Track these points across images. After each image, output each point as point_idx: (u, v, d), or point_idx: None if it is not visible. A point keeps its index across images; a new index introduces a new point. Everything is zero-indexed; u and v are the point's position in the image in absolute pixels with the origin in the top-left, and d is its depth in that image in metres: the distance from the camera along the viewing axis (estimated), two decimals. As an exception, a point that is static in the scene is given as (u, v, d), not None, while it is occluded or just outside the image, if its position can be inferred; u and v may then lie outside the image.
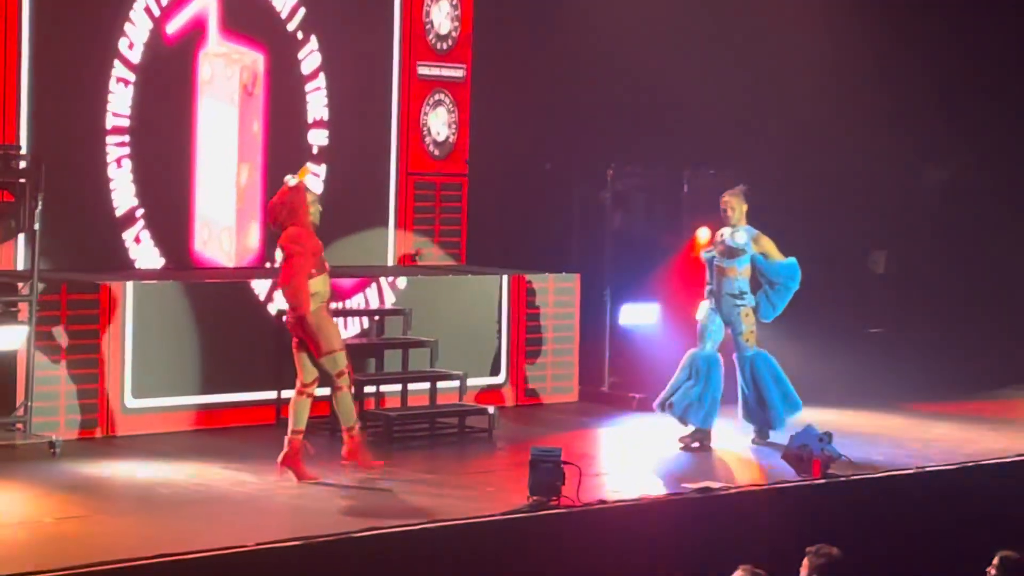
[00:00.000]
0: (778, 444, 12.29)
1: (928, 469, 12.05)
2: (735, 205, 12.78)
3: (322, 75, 14.84)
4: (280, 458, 11.08)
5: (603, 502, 10.57)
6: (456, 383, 13.43)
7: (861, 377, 15.60)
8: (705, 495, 10.98)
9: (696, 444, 12.64)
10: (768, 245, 12.86)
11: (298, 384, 11.21)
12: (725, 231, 12.81)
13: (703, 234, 14.29)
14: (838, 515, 10.90)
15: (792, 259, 12.93)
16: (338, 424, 11.61)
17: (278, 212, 11.15)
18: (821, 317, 15.79)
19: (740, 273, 12.76)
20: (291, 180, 11.24)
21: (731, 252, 12.76)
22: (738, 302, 12.74)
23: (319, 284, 11.11)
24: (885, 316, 16.76)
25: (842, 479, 11.52)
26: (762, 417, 12.85)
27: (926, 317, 16.72)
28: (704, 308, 12.85)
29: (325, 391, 11.39)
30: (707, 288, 12.89)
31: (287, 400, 13.04)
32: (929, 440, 13.35)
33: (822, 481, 11.47)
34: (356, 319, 13.66)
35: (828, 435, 11.64)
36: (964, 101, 16.54)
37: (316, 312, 11.07)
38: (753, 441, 12.86)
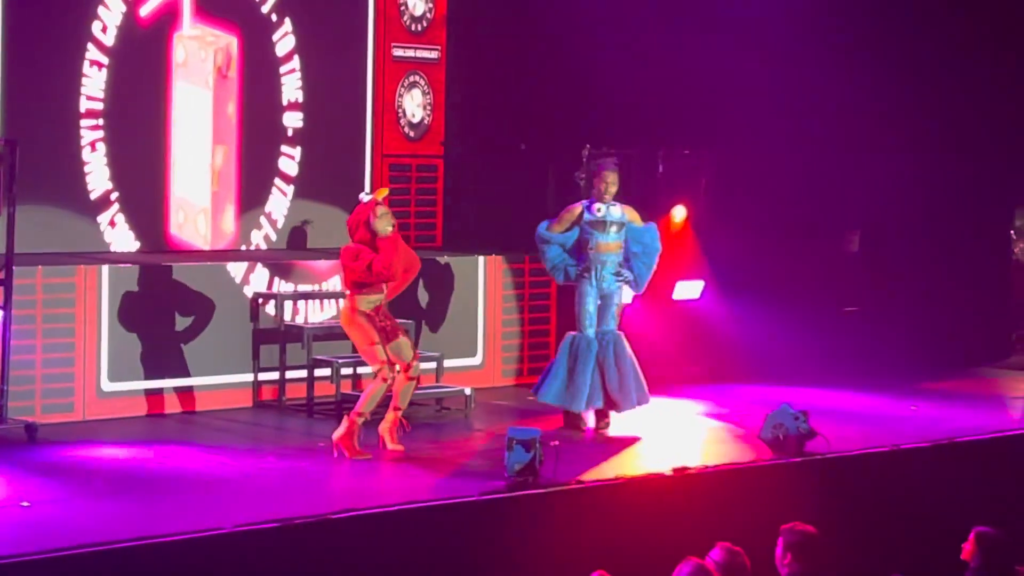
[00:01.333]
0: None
1: (904, 447, 12.11)
2: (613, 180, 12.56)
3: (296, 57, 14.82)
4: (337, 435, 11.25)
5: (580, 482, 10.59)
6: (433, 364, 13.45)
7: (836, 356, 15.65)
8: (682, 474, 11.01)
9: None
10: (633, 214, 12.69)
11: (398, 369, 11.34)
12: (601, 206, 12.52)
13: (679, 212, 14.33)
14: (814, 493, 10.94)
15: (652, 224, 12.78)
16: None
17: (351, 226, 11.44)
18: (796, 296, 15.82)
19: (620, 247, 12.60)
20: (364, 197, 11.46)
21: (614, 226, 12.56)
22: (619, 277, 12.64)
23: (371, 299, 11.37)
24: (860, 295, 16.80)
25: (818, 457, 11.56)
26: (623, 396, 12.58)
27: (901, 296, 16.77)
28: (584, 289, 12.55)
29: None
30: (580, 267, 12.53)
31: (265, 382, 13.13)
32: (904, 418, 13.41)
33: (798, 459, 11.52)
34: (332, 301, 13.66)
35: (804, 413, 11.68)
36: (937, 80, 16.57)
37: (359, 318, 11.28)
38: (597, 427, 12.61)
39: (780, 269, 15.95)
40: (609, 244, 12.55)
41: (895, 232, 16.98)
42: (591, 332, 12.55)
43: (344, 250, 11.42)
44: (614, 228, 12.56)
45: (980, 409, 13.96)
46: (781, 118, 16.16)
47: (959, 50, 16.57)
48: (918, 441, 12.31)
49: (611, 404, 12.59)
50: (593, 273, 12.55)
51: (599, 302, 12.61)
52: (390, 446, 11.44)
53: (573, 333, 12.65)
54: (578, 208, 12.60)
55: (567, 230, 12.61)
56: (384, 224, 11.31)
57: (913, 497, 11.41)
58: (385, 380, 11.31)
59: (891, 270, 16.90)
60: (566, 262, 12.61)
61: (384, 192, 11.65)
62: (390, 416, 11.47)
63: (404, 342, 11.50)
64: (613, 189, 12.56)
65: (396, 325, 11.53)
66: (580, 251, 12.58)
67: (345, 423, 11.29)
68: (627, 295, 13.13)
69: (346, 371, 13.17)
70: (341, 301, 13.56)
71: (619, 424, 12.66)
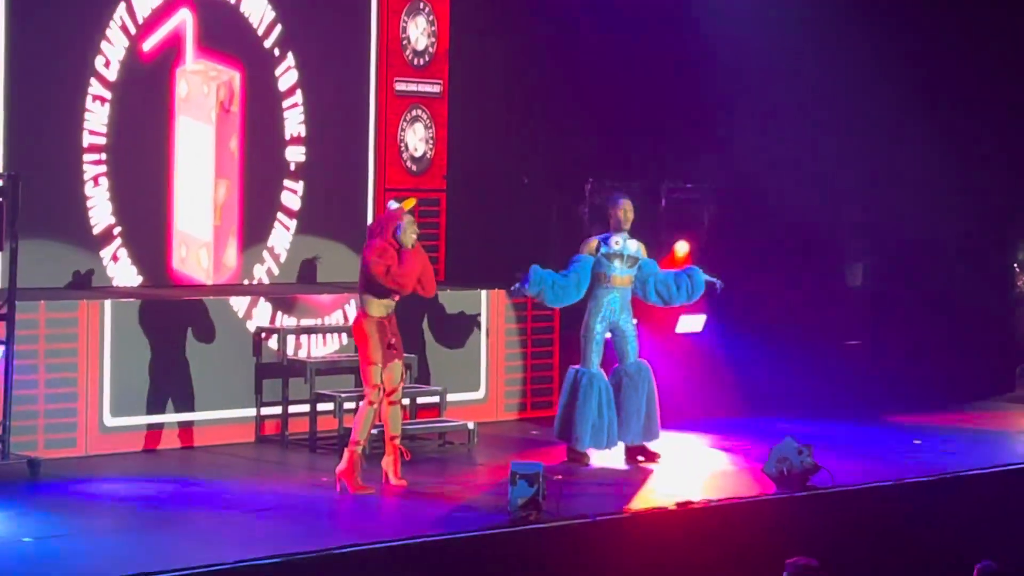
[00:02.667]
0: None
1: (907, 481, 12.08)
2: (630, 210, 12.56)
3: (299, 92, 14.84)
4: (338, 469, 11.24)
5: (584, 517, 10.57)
6: (436, 398, 13.44)
7: (840, 389, 15.64)
8: (685, 508, 10.99)
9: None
10: (644, 250, 12.71)
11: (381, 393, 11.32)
12: (619, 239, 12.53)
13: (681, 247, 14.33)
14: (818, 527, 10.91)
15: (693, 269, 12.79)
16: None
17: (374, 228, 11.46)
18: (799, 330, 15.82)
19: (631, 281, 12.58)
20: (393, 204, 11.51)
21: (629, 261, 12.61)
22: (631, 312, 12.63)
23: (384, 302, 11.38)
24: (863, 328, 16.79)
25: (822, 491, 11.54)
26: (648, 427, 12.65)
27: (904, 329, 16.76)
28: (591, 323, 12.56)
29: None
30: (595, 305, 12.54)
31: (268, 417, 13.11)
32: (908, 452, 13.38)
33: (802, 493, 11.49)
34: (335, 335, 13.64)
35: (808, 447, 11.66)
36: (942, 113, 16.60)
37: (369, 326, 11.30)
38: (639, 460, 12.60)
39: (783, 302, 15.95)
40: (623, 278, 12.57)
41: (898, 266, 16.98)
42: (595, 368, 12.54)
43: (370, 246, 11.34)
44: (629, 262, 12.55)
45: (984, 443, 13.93)
46: (784, 151, 16.18)
47: (963, 85, 16.60)
48: (922, 475, 12.29)
49: (619, 437, 12.58)
50: (605, 306, 12.54)
51: (608, 335, 12.61)
52: (394, 481, 11.42)
53: (575, 367, 12.64)
54: (594, 242, 12.61)
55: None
56: (409, 234, 11.33)
57: (916, 531, 11.38)
58: (371, 404, 11.30)
59: (894, 304, 16.90)
60: (550, 277, 12.53)
61: (412, 202, 11.65)
62: (389, 448, 11.46)
63: (399, 365, 11.49)
64: (631, 217, 12.57)
65: (400, 346, 11.51)
66: (593, 283, 12.57)
67: (346, 456, 11.27)
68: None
69: (349, 405, 13.14)
70: (344, 336, 13.58)
71: (618, 458, 12.64)
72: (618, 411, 12.57)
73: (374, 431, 11.60)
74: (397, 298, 11.46)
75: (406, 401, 13.38)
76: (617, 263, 12.52)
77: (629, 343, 12.63)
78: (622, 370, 12.65)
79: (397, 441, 11.48)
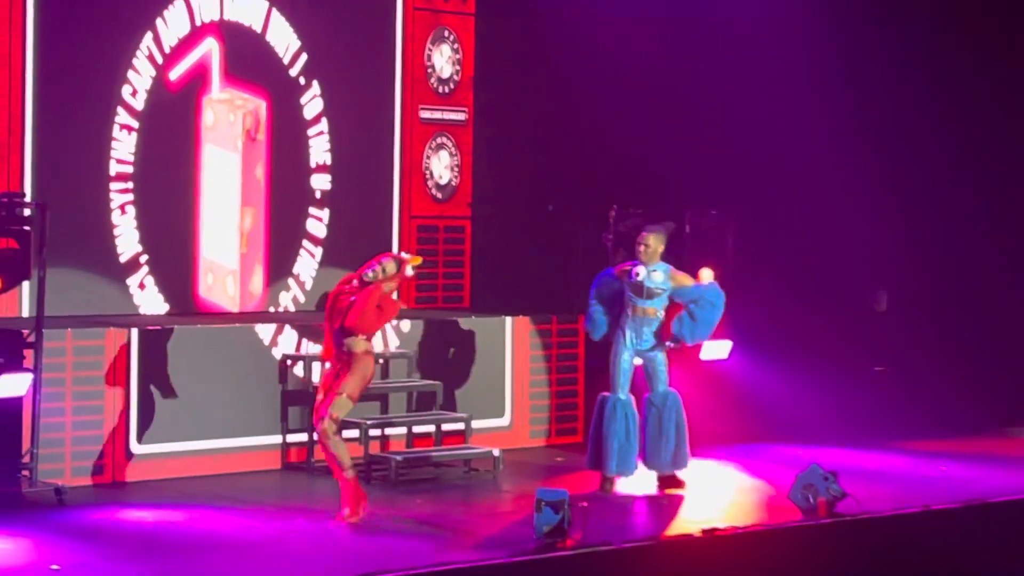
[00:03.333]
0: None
1: (934, 508, 12.04)
2: (651, 242, 12.48)
3: (324, 120, 14.90)
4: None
5: (609, 543, 10.56)
6: (461, 425, 13.45)
7: (865, 416, 15.59)
8: (711, 535, 10.97)
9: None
10: (684, 279, 12.60)
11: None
12: (641, 270, 12.50)
13: (706, 274, 14.27)
14: (844, 555, 10.88)
15: (714, 285, 12.64)
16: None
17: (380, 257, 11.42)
18: (824, 355, 15.78)
19: (660, 312, 12.56)
20: (405, 255, 11.52)
21: (650, 292, 12.57)
22: (665, 344, 12.58)
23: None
24: (888, 354, 16.75)
25: (848, 519, 11.51)
26: (678, 456, 12.61)
27: (931, 354, 16.71)
28: (618, 350, 12.53)
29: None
30: (618, 329, 12.51)
31: (293, 444, 13.13)
32: (935, 479, 13.34)
33: (828, 521, 11.46)
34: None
35: (833, 474, 11.63)
36: (966, 139, 16.58)
37: (369, 362, 11.23)
38: (666, 489, 12.57)
39: (808, 328, 15.92)
40: (647, 309, 12.54)
41: (924, 291, 16.94)
42: (623, 394, 12.55)
43: (374, 290, 11.29)
44: (654, 294, 12.53)
45: (1012, 470, 13.87)
46: (809, 177, 16.18)
47: (988, 110, 16.58)
48: (949, 502, 12.24)
49: (647, 466, 12.58)
50: (630, 335, 12.54)
51: (635, 364, 12.62)
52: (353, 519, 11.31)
53: (604, 394, 12.65)
54: (628, 267, 12.62)
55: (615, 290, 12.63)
56: (392, 285, 11.31)
57: (944, 559, 11.33)
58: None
59: (920, 329, 16.85)
60: (599, 323, 12.58)
61: (418, 261, 11.58)
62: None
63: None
64: (651, 251, 12.51)
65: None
66: (621, 311, 12.58)
67: (342, 487, 11.21)
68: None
69: (374, 432, 13.17)
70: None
71: (647, 485, 12.63)
72: (648, 440, 12.57)
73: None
74: None
75: (431, 427, 13.42)
76: (641, 293, 12.52)
77: (657, 374, 12.63)
78: (650, 400, 12.65)
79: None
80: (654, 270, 12.53)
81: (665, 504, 12.23)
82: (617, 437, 12.44)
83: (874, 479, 13.01)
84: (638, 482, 12.61)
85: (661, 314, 12.54)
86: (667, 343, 12.58)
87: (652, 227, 12.69)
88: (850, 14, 16.26)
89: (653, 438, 12.56)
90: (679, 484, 12.63)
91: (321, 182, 14.91)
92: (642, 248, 12.53)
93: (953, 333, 16.78)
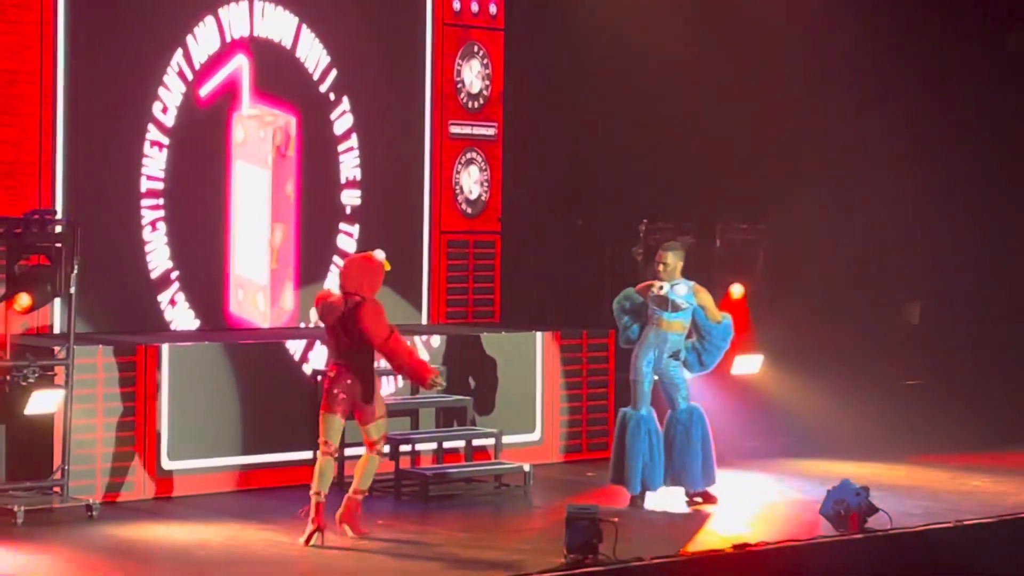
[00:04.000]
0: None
1: (967, 522, 11.98)
2: (669, 260, 12.45)
3: (354, 136, 14.92)
4: (338, 515, 11.14)
5: (640, 560, 10.53)
6: (491, 440, 13.44)
7: (897, 429, 15.53)
8: (742, 551, 10.94)
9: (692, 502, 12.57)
10: (706, 298, 12.60)
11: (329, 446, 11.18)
12: (664, 285, 12.44)
13: (736, 290, 14.27)
14: (876, 570, 10.83)
15: (727, 319, 12.66)
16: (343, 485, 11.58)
17: (351, 275, 11.17)
18: (856, 369, 15.74)
19: (684, 327, 12.54)
20: (379, 254, 11.34)
21: (675, 306, 12.51)
22: (680, 357, 12.58)
23: None
24: (922, 368, 16.69)
25: (880, 533, 11.46)
26: (707, 472, 12.58)
27: (964, 368, 16.65)
28: (640, 366, 12.50)
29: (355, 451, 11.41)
30: (644, 348, 12.47)
31: (323, 460, 13.11)
32: (968, 493, 13.28)
33: (860, 535, 11.42)
34: (390, 378, 13.67)
35: (865, 489, 11.59)
36: (1004, 150, 16.53)
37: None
38: (697, 502, 12.56)
39: (840, 342, 15.88)
40: (672, 323, 12.52)
41: (957, 303, 16.88)
42: (644, 410, 12.52)
43: (376, 308, 11.13)
44: (678, 308, 12.51)
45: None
46: (839, 190, 16.14)
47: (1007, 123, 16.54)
48: (982, 517, 12.18)
49: (676, 483, 12.56)
50: (654, 351, 12.51)
51: (655, 379, 12.58)
52: (351, 535, 11.24)
53: (626, 410, 12.63)
54: (653, 283, 12.60)
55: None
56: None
57: (977, 573, 11.28)
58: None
59: (953, 342, 16.79)
60: (632, 329, 12.58)
61: (387, 266, 11.45)
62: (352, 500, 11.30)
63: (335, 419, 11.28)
64: (669, 269, 12.50)
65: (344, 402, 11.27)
66: (644, 325, 12.57)
67: (345, 502, 11.19)
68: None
69: (405, 448, 13.17)
70: (399, 378, 13.59)
71: (677, 502, 12.61)
72: (675, 458, 12.53)
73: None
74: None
75: (461, 443, 13.42)
76: (666, 308, 12.50)
77: (679, 390, 12.59)
78: (674, 418, 12.61)
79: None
80: (676, 284, 12.51)
81: (696, 520, 12.19)
82: (642, 455, 12.42)
83: (906, 494, 12.96)
84: (667, 498, 12.58)
85: (684, 328, 12.52)
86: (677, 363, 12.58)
87: (669, 244, 12.68)
88: (883, 25, 16.22)
89: (681, 455, 12.53)
90: (712, 500, 12.60)
91: (351, 198, 14.94)
92: (661, 267, 12.52)
93: (985, 345, 16.71)
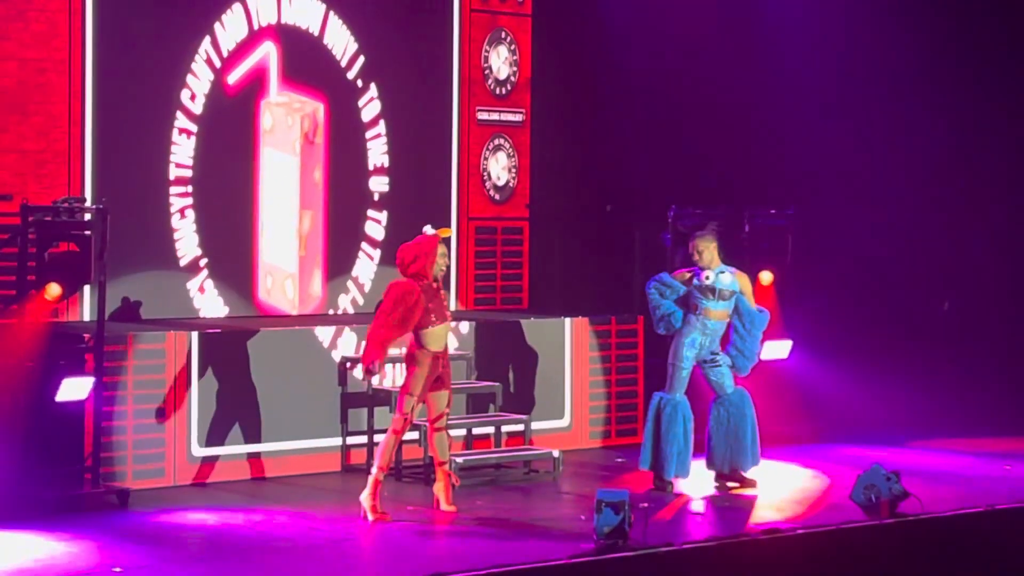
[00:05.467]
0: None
1: (998, 508, 11.95)
2: (702, 248, 12.44)
3: (382, 122, 14.92)
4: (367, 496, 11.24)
5: (669, 544, 10.53)
6: (520, 427, 13.43)
7: (928, 414, 15.49)
8: (773, 536, 10.92)
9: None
10: (747, 284, 12.64)
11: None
12: (710, 274, 12.42)
13: (765, 277, 14.22)
14: (908, 555, 10.81)
15: (765, 311, 12.70)
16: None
17: (407, 256, 11.41)
18: (886, 355, 15.69)
19: (728, 315, 12.52)
20: (429, 230, 11.51)
21: (721, 294, 12.46)
22: (723, 361, 12.57)
23: (437, 333, 11.39)
24: (951, 353, 16.63)
25: (911, 519, 11.43)
26: (755, 453, 12.63)
27: (994, 353, 16.58)
28: (682, 353, 12.49)
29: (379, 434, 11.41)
30: (688, 335, 12.47)
31: (353, 446, 13.16)
32: (999, 478, 13.24)
33: (890, 521, 11.39)
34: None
35: (896, 474, 11.56)
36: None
37: (423, 358, 11.30)
38: (727, 488, 12.57)
39: (869, 327, 15.83)
40: (718, 312, 12.50)
41: (987, 289, 16.81)
42: (679, 396, 12.51)
43: (396, 285, 11.37)
44: (724, 295, 12.50)
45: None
46: (869, 174, 16.09)
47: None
48: (1013, 502, 12.14)
49: (725, 465, 12.58)
50: (701, 339, 12.49)
51: (695, 365, 12.57)
52: (445, 507, 11.46)
53: (660, 394, 12.60)
54: (688, 273, 12.57)
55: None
56: (441, 265, 11.39)
57: (1008, 558, 11.23)
58: (396, 433, 11.34)
59: (984, 327, 16.73)
60: (676, 315, 12.56)
61: (448, 232, 11.69)
62: (439, 475, 11.50)
63: (444, 395, 11.54)
64: (708, 257, 12.48)
65: (448, 377, 11.54)
66: (687, 313, 12.55)
67: (370, 482, 11.28)
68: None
69: (434, 434, 13.15)
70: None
71: (706, 486, 12.60)
72: (721, 440, 12.56)
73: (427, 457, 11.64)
74: (450, 329, 11.56)
75: (491, 429, 13.42)
76: (711, 296, 12.47)
77: (725, 375, 12.60)
78: (725, 401, 12.60)
79: (446, 467, 11.52)
80: (721, 271, 12.49)
81: (726, 505, 12.18)
82: (676, 441, 12.42)
83: (936, 479, 12.93)
84: (696, 483, 12.57)
85: (729, 316, 12.50)
86: (723, 361, 12.57)
87: (699, 233, 12.64)
88: (914, 14, 16.14)
89: (730, 436, 12.54)
90: (750, 483, 12.59)
91: (379, 184, 14.94)
92: (697, 256, 12.49)
93: (1016, 331, 16.65)
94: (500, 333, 14.28)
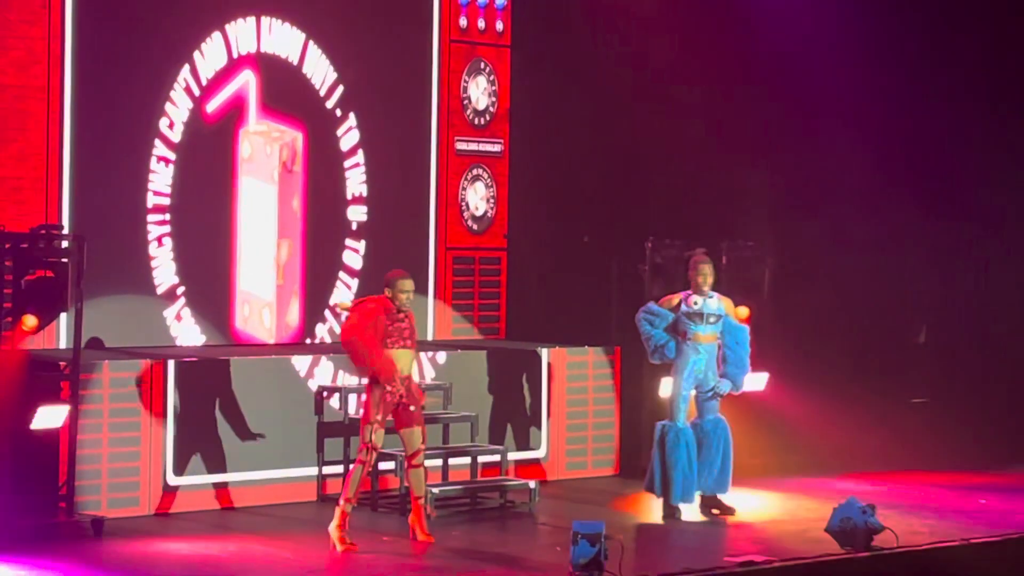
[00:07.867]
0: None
1: (973, 541, 11.96)
2: (707, 271, 12.67)
3: (361, 151, 14.93)
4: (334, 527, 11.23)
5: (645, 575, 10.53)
6: (497, 457, 13.43)
7: (903, 447, 15.51)
8: (749, 569, 10.92)
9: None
10: (729, 305, 12.88)
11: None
12: (698, 299, 12.64)
13: (742, 311, 14.25)
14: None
15: (746, 326, 12.90)
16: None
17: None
18: (862, 387, 15.71)
19: (717, 336, 12.73)
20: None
21: (708, 319, 12.66)
22: (716, 389, 12.72)
23: (396, 355, 11.47)
24: (928, 386, 16.66)
25: (886, 552, 11.44)
26: (721, 479, 12.79)
27: (970, 387, 16.61)
28: (678, 380, 12.63)
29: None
30: (677, 357, 12.61)
31: (330, 476, 13.13)
32: (974, 511, 13.26)
33: (865, 554, 11.40)
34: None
35: (871, 507, 11.57)
36: (1012, 170, 16.51)
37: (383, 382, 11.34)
38: (714, 513, 12.75)
39: (846, 360, 15.86)
40: (707, 335, 12.65)
41: (963, 322, 16.85)
42: (681, 422, 12.61)
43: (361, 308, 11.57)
44: (712, 319, 12.61)
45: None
46: (846, 208, 16.12)
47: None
48: (988, 535, 12.16)
49: (704, 491, 12.75)
50: (695, 364, 12.57)
51: (694, 391, 12.66)
52: (420, 537, 11.47)
53: (663, 423, 12.72)
54: (676, 299, 12.70)
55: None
56: (403, 300, 11.58)
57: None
58: (361, 463, 11.35)
59: (959, 361, 16.76)
60: (670, 345, 12.65)
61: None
62: (414, 507, 11.54)
63: (417, 432, 11.53)
64: (711, 280, 12.68)
65: (418, 412, 11.53)
66: (678, 341, 12.63)
67: (338, 513, 11.28)
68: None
69: (410, 464, 13.13)
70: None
71: (691, 514, 12.65)
72: (701, 466, 12.71)
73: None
74: (414, 356, 11.59)
75: (467, 459, 13.41)
76: (699, 320, 12.58)
77: (710, 404, 12.74)
78: (699, 425, 12.74)
79: (421, 502, 11.56)
80: (710, 296, 12.63)
81: (700, 535, 12.18)
82: (681, 466, 12.58)
83: (912, 512, 12.94)
84: (698, 510, 12.74)
85: (719, 338, 12.63)
86: (722, 388, 12.66)
87: (702, 256, 12.80)
88: (893, 47, 16.22)
89: (701, 461, 12.67)
90: (730, 510, 12.67)
91: (357, 214, 14.95)
92: (701, 278, 12.67)
93: (991, 364, 16.68)
94: (477, 363, 14.28)
